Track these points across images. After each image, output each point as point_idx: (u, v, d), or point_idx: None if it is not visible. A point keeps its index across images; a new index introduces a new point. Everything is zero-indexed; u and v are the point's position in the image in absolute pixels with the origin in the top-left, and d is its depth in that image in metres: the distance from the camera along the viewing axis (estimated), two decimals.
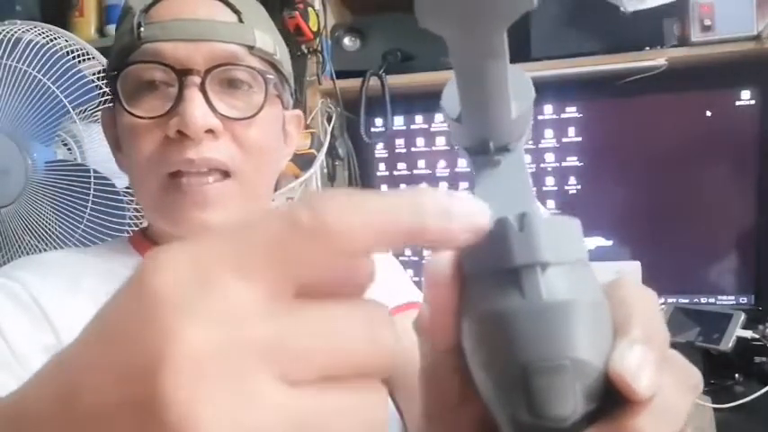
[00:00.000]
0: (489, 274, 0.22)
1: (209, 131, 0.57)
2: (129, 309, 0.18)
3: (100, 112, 0.72)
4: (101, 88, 1.03)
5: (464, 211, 0.21)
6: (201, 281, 0.18)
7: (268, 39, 0.62)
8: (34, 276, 0.61)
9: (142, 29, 0.58)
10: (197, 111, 0.56)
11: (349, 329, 0.19)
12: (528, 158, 0.29)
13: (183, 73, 0.57)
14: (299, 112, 0.72)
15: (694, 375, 0.23)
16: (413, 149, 1.50)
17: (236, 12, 0.60)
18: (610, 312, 0.22)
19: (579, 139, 1.40)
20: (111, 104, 0.65)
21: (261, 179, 0.63)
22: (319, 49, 1.40)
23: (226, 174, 0.59)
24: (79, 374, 0.18)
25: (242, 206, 0.61)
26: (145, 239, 0.67)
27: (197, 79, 0.57)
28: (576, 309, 0.21)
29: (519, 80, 0.26)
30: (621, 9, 1.23)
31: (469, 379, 0.23)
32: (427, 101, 1.46)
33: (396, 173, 1.52)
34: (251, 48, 0.60)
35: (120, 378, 0.17)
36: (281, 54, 0.65)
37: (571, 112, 1.39)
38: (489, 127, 0.26)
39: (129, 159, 0.61)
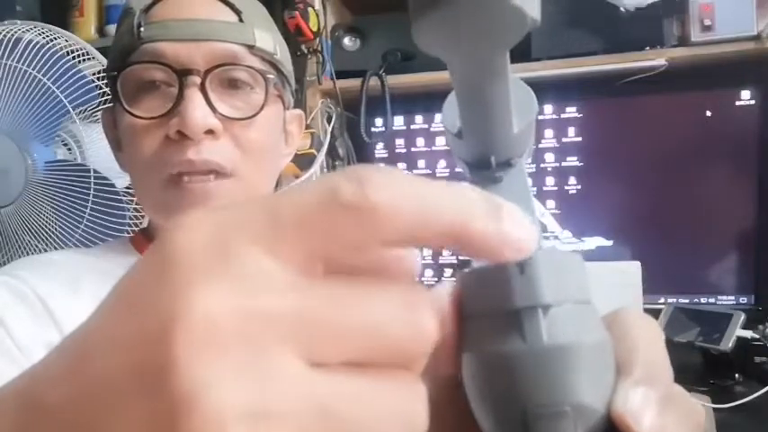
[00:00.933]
0: (490, 315, 0.21)
1: (210, 132, 0.57)
2: (145, 272, 0.17)
3: (100, 113, 0.72)
4: (101, 88, 1.03)
5: (514, 226, 0.19)
6: (222, 246, 0.16)
7: (268, 38, 0.62)
8: (37, 276, 0.61)
9: (142, 29, 0.58)
10: (197, 111, 0.56)
11: (385, 309, 0.17)
12: (528, 159, 0.29)
13: (183, 73, 0.57)
14: (299, 111, 0.72)
15: (698, 412, 0.22)
16: (413, 149, 1.50)
17: (237, 11, 0.60)
18: (612, 350, 0.22)
19: (579, 139, 1.40)
20: (111, 105, 0.65)
21: (261, 179, 0.63)
22: (319, 49, 1.40)
23: (225, 174, 0.59)
24: (92, 341, 0.17)
25: None
26: (146, 239, 0.67)
27: (197, 79, 0.57)
28: (578, 352, 0.20)
29: (521, 94, 0.25)
30: (621, 9, 1.23)
31: (469, 412, 0.23)
32: (427, 101, 1.46)
33: None
34: (251, 47, 0.60)
35: (131, 342, 0.16)
36: (282, 53, 0.65)
37: (571, 112, 1.39)
38: (491, 143, 0.25)
39: (129, 159, 0.61)
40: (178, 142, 0.57)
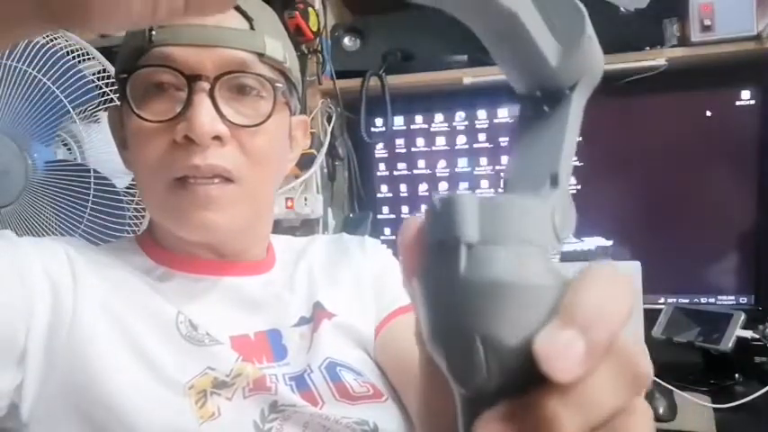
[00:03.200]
0: (431, 245, 0.23)
1: (216, 138, 0.57)
2: None
3: (107, 111, 0.72)
4: (101, 88, 1.03)
5: None
6: None
7: (278, 46, 0.62)
8: (72, 246, 0.62)
9: (154, 32, 0.58)
10: (205, 117, 0.56)
11: None
12: (588, 90, 0.28)
13: (192, 78, 0.57)
14: (305, 117, 0.72)
15: (640, 374, 0.22)
16: (413, 149, 1.50)
17: (248, 18, 0.60)
18: (551, 296, 0.22)
19: (579, 139, 1.39)
20: (117, 104, 0.65)
21: (264, 185, 0.64)
22: (319, 49, 1.40)
23: (230, 179, 0.59)
24: None
25: (245, 209, 0.61)
26: (152, 240, 0.68)
27: (206, 85, 0.57)
28: (495, 289, 0.21)
29: (563, 19, 0.25)
30: (621, 9, 1.23)
31: None
32: (427, 101, 1.46)
33: (396, 173, 1.52)
34: (261, 55, 0.60)
35: None
36: (291, 61, 0.65)
37: None
38: (527, 76, 0.25)
39: (135, 161, 0.62)
40: (185, 147, 0.57)
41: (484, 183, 1.46)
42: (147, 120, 0.58)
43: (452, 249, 0.22)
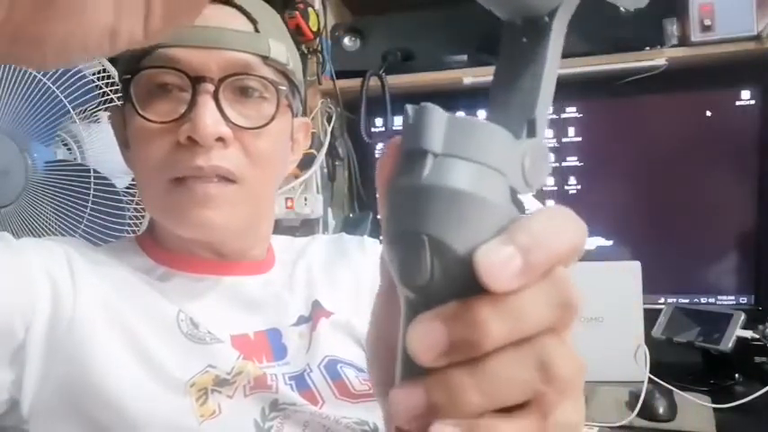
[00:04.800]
0: (402, 153, 0.24)
1: (220, 139, 0.57)
2: None
3: (109, 111, 0.72)
4: (101, 88, 1.03)
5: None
6: None
7: (282, 49, 0.62)
8: (71, 246, 0.62)
9: None
10: (209, 119, 0.56)
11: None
12: (565, 19, 0.28)
13: (196, 80, 0.57)
14: (307, 120, 0.72)
15: (570, 302, 0.24)
16: None
17: (253, 21, 0.60)
18: (506, 220, 0.23)
19: (579, 139, 1.40)
20: (120, 103, 0.65)
21: (265, 187, 0.64)
22: (319, 49, 1.40)
23: (232, 180, 0.59)
24: None
25: (244, 210, 0.61)
26: (152, 240, 0.68)
27: (210, 87, 0.57)
28: (451, 195, 0.23)
29: None
30: (621, 9, 1.23)
31: None
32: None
33: None
34: (265, 58, 0.60)
35: None
36: (294, 63, 0.65)
37: (571, 112, 1.39)
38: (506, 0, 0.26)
39: (137, 160, 0.62)
40: (188, 148, 0.57)
41: None
42: (150, 120, 0.58)
43: (418, 156, 0.23)
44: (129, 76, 0.59)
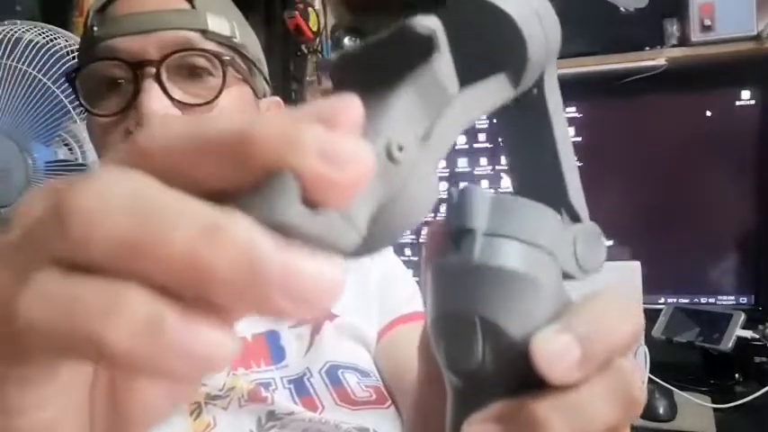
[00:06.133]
0: (448, 234, 0.23)
1: None
2: None
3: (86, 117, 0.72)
4: None
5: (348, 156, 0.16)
6: None
7: (224, 22, 0.61)
8: None
9: (96, 28, 0.58)
10: (153, 102, 0.55)
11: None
12: None
13: (137, 66, 0.57)
14: (277, 98, 0.70)
15: (635, 398, 0.22)
16: None
17: None
18: (560, 305, 0.22)
19: (579, 139, 1.40)
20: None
21: None
22: (319, 49, 1.40)
23: None
24: None
25: None
26: None
27: (152, 70, 0.56)
28: (504, 276, 0.22)
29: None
30: (621, 9, 1.23)
31: None
32: None
33: None
34: (204, 32, 0.59)
35: None
36: (243, 37, 0.63)
37: (571, 112, 1.39)
38: None
39: (98, 156, 0.62)
40: None
41: (484, 182, 1.46)
42: (98, 114, 0.58)
43: (466, 236, 0.22)
44: (74, 74, 0.60)
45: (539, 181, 0.26)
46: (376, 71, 0.20)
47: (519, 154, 0.27)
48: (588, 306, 0.22)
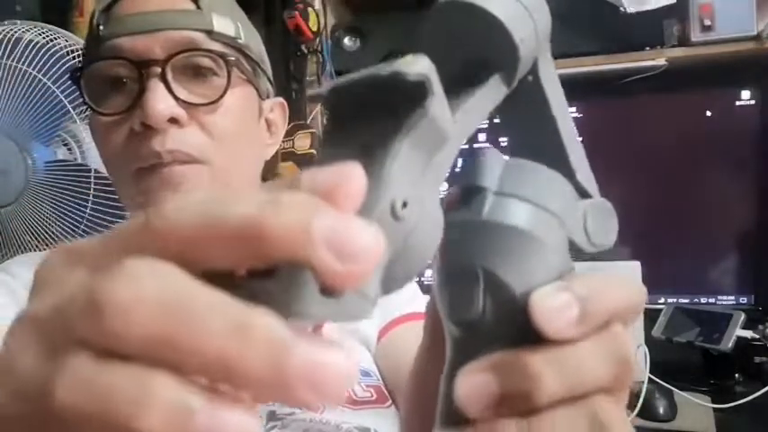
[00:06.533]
0: (459, 191, 0.24)
1: (174, 121, 0.57)
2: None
3: (89, 118, 0.72)
4: None
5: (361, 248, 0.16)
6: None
7: (229, 23, 0.61)
8: (29, 270, 0.61)
9: (101, 27, 0.58)
10: (158, 100, 0.55)
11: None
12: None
13: (142, 65, 0.57)
14: (280, 99, 0.71)
15: (627, 362, 0.22)
16: None
17: None
18: (564, 268, 0.23)
19: (579, 139, 1.39)
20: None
21: (237, 165, 0.62)
22: (319, 49, 1.40)
23: (196, 162, 0.58)
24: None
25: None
26: None
27: (157, 69, 0.57)
28: (511, 232, 0.22)
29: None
30: (621, 9, 1.23)
31: None
32: None
33: None
34: (209, 32, 0.59)
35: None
36: (248, 38, 0.64)
37: (571, 112, 1.39)
38: None
39: (102, 156, 0.62)
40: (143, 134, 0.56)
41: None
42: (103, 114, 0.58)
43: (477, 193, 0.23)
44: (79, 73, 0.60)
45: (544, 164, 0.26)
46: (370, 112, 0.20)
47: (522, 140, 0.27)
48: (591, 274, 0.23)
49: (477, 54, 0.24)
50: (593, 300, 0.22)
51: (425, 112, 0.19)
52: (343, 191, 0.17)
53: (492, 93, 0.24)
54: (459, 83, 0.23)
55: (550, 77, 0.26)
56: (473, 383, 0.21)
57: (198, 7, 0.59)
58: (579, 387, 0.21)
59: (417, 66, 0.19)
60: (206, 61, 0.59)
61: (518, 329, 0.22)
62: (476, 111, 0.23)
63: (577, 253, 0.25)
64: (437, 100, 0.19)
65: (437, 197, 0.21)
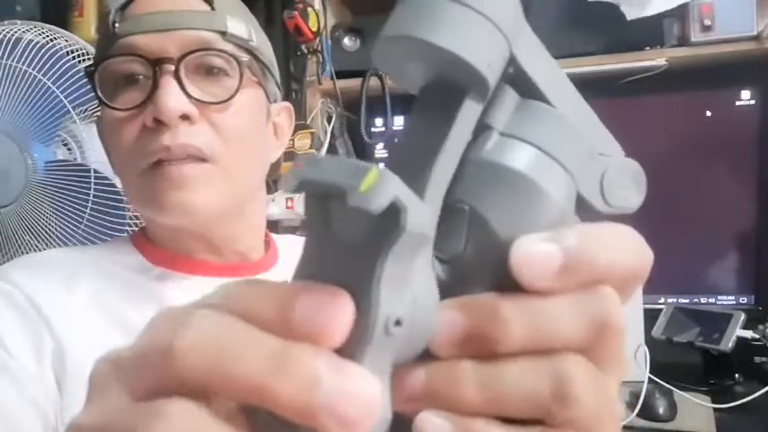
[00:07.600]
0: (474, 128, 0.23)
1: (185, 117, 0.57)
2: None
3: (96, 118, 0.73)
4: None
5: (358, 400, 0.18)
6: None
7: (242, 25, 0.62)
8: (31, 277, 0.61)
9: (117, 25, 0.59)
10: (170, 97, 0.56)
11: None
12: None
13: (156, 62, 0.58)
14: (287, 103, 0.72)
15: (610, 319, 0.21)
16: None
17: (208, 0, 0.61)
18: (556, 219, 0.22)
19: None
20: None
21: (243, 167, 0.62)
22: (319, 49, 1.40)
23: (204, 159, 0.59)
24: None
25: (222, 190, 0.60)
26: (145, 238, 0.67)
27: (171, 67, 0.58)
28: (505, 174, 0.21)
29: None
30: (621, 9, 1.23)
31: None
32: None
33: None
34: (223, 34, 0.60)
35: None
36: (259, 42, 0.65)
37: None
38: None
39: (110, 151, 0.62)
40: (155, 130, 0.57)
41: None
42: (116, 108, 0.59)
43: (482, 131, 0.22)
44: (93, 69, 0.61)
45: None
46: (343, 232, 0.20)
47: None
48: (590, 226, 0.22)
49: (440, 80, 0.22)
50: (581, 253, 0.21)
51: (401, 231, 0.18)
52: (335, 327, 0.18)
53: (468, 116, 0.22)
54: (431, 106, 0.22)
55: (533, 61, 0.23)
56: (441, 320, 0.21)
57: (212, 8, 0.61)
58: (546, 341, 0.21)
59: (380, 196, 0.17)
60: (219, 61, 0.60)
61: (497, 276, 0.21)
62: (454, 149, 0.22)
63: (591, 213, 0.23)
64: (411, 211, 0.18)
65: (429, 274, 0.21)
